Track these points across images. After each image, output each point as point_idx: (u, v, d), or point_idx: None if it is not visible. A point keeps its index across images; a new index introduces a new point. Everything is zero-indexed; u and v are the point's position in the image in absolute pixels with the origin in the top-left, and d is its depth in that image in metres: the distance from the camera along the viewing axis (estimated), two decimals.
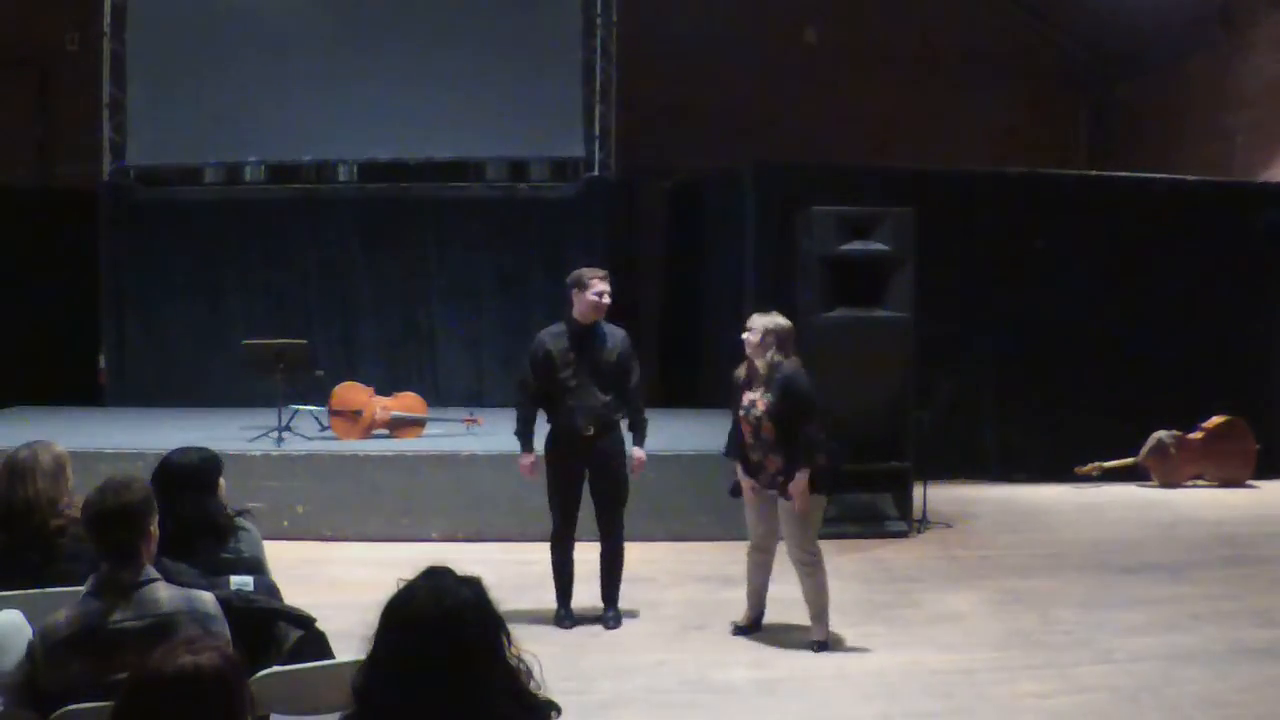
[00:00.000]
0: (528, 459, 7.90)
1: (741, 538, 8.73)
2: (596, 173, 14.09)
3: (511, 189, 14.51)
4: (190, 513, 4.85)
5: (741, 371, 7.51)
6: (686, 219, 15.21)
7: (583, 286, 7.71)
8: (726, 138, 14.89)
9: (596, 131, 14.07)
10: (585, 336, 7.76)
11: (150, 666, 2.83)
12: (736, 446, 7.57)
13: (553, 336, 7.79)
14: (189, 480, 4.99)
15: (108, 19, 14.58)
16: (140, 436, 11.14)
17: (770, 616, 7.72)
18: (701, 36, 15.08)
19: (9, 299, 14.25)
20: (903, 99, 15.61)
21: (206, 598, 4.01)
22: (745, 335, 7.37)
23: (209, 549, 4.85)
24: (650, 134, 14.67)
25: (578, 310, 7.75)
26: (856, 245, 10.58)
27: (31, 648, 3.87)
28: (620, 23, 14.09)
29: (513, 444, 10.89)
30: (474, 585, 3.03)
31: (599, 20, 14.04)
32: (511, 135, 14.19)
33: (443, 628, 2.91)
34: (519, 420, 7.88)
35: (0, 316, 14.15)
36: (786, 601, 7.72)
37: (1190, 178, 13.98)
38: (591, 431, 7.66)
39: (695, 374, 14.57)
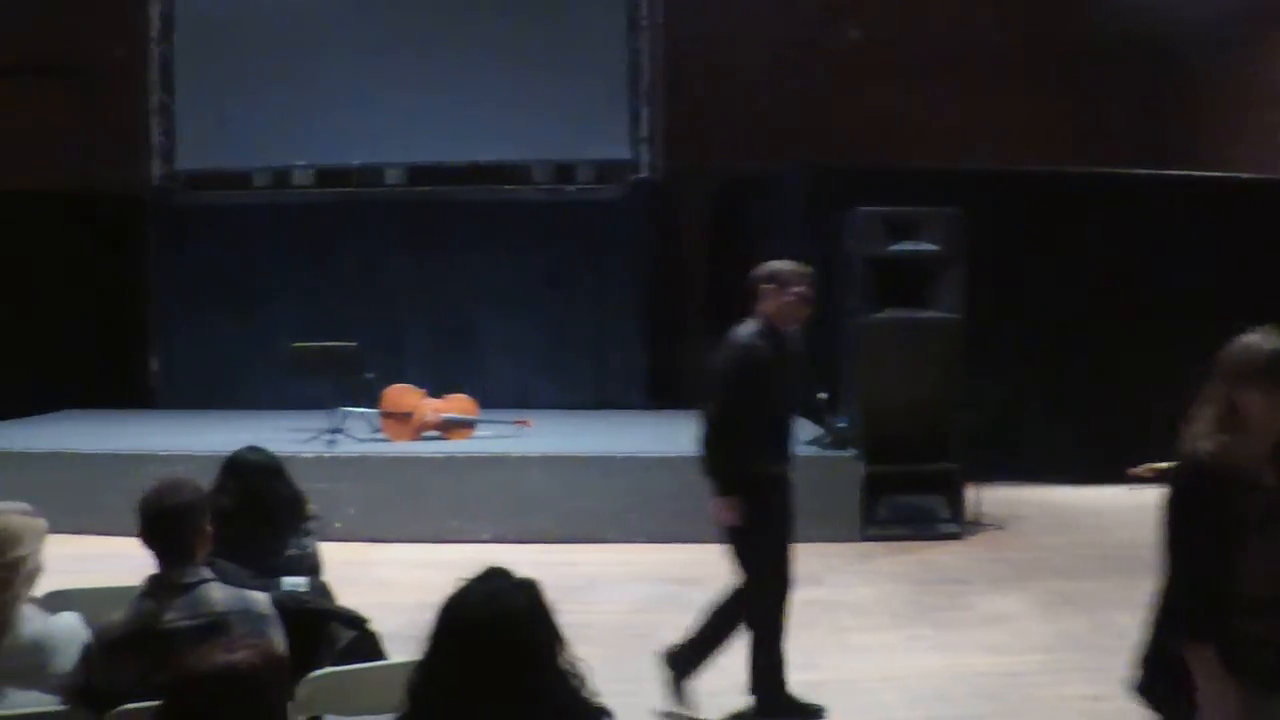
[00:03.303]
0: (734, 501, 6.09)
1: (798, 538, 8.74)
2: (641, 175, 14.11)
3: (557, 191, 14.53)
4: (276, 496, 4.93)
5: None
6: (732, 221, 15.18)
7: (782, 283, 6.36)
8: (772, 138, 14.84)
9: (641, 134, 14.10)
10: (783, 346, 6.37)
11: (187, 666, 2.87)
12: None
13: (761, 342, 6.31)
14: (268, 470, 5.07)
15: (155, 25, 14.72)
16: (190, 439, 11.25)
17: (819, 619, 7.72)
18: (746, 37, 15.05)
19: (60, 304, 14.39)
20: (947, 98, 15.54)
21: (260, 598, 4.04)
22: None
23: (282, 537, 4.91)
24: (695, 136, 14.64)
25: (774, 311, 6.36)
26: (904, 246, 10.56)
27: (87, 648, 3.92)
28: (664, 24, 14.10)
29: (563, 445, 11.04)
30: (530, 588, 3.04)
31: (643, 22, 14.05)
32: (557, 138, 14.23)
33: (497, 630, 2.92)
34: (730, 452, 6.10)
35: (52, 321, 14.28)
36: (833, 604, 7.73)
37: (1242, 175, 13.87)
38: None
39: None
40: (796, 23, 15.11)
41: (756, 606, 6.22)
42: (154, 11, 14.72)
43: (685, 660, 6.32)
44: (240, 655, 2.86)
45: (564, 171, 14.72)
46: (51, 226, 14.61)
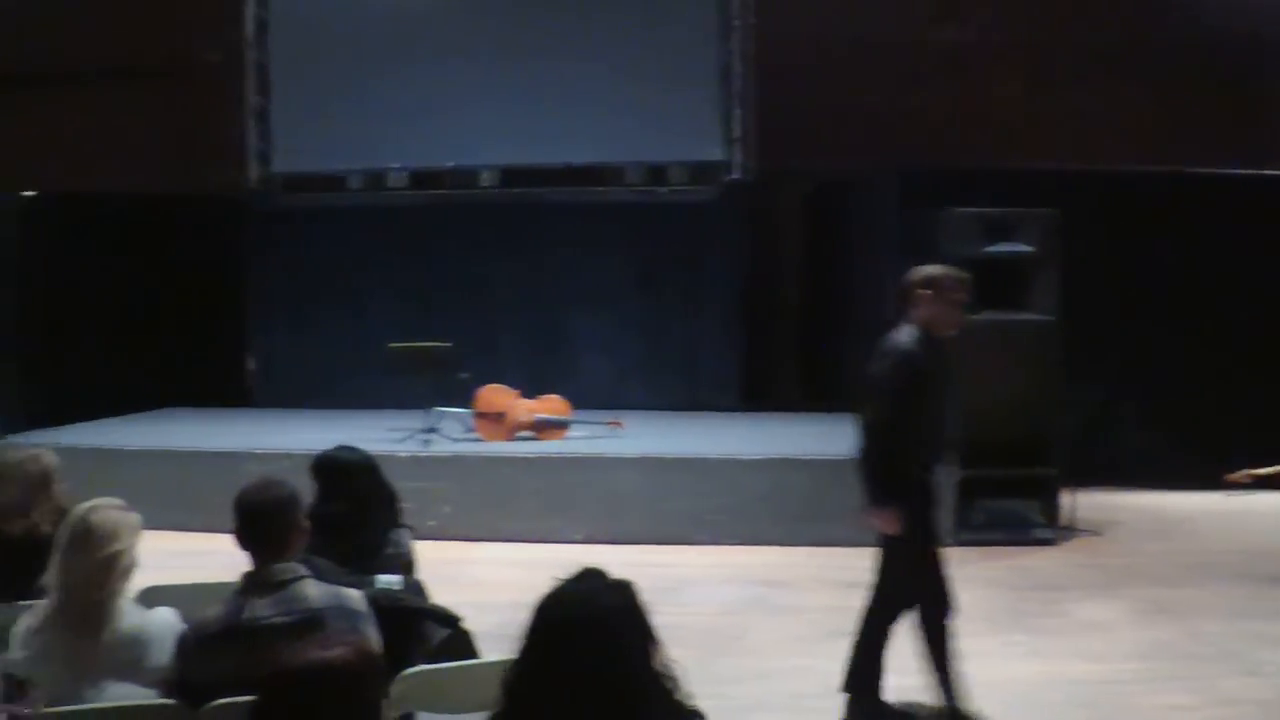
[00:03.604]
0: (894, 510, 5.96)
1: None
2: (734, 176, 14.06)
3: (649, 193, 14.50)
4: (370, 493, 4.98)
5: None
6: (826, 222, 15.14)
7: (940, 289, 6.14)
8: (866, 139, 14.75)
9: (735, 135, 14.04)
10: (940, 352, 6.16)
11: (282, 661, 2.90)
12: None
13: (920, 350, 6.07)
14: (362, 468, 5.13)
15: (251, 28, 14.91)
16: (288, 437, 11.41)
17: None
18: (840, 37, 14.96)
19: (161, 305, 14.65)
20: (1043, 97, 15.35)
21: (355, 595, 4.07)
22: None
23: (376, 535, 4.96)
24: (789, 136, 14.56)
25: (930, 317, 6.14)
26: (999, 247, 10.47)
27: (183, 642, 3.98)
28: (756, 24, 14.03)
29: (655, 446, 11.05)
30: (625, 589, 3.04)
31: (736, 23, 14.00)
32: (650, 139, 14.20)
33: (592, 630, 2.92)
34: (891, 461, 5.96)
35: (152, 321, 14.54)
36: None
37: None
38: None
39: (835, 377, 14.48)
40: (890, 22, 14.98)
41: (880, 611, 6.18)
42: (249, 15, 14.90)
43: (861, 679, 6.21)
44: (335, 652, 2.88)
45: (656, 173, 14.69)
46: (152, 228, 14.88)
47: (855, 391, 6.50)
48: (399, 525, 5.29)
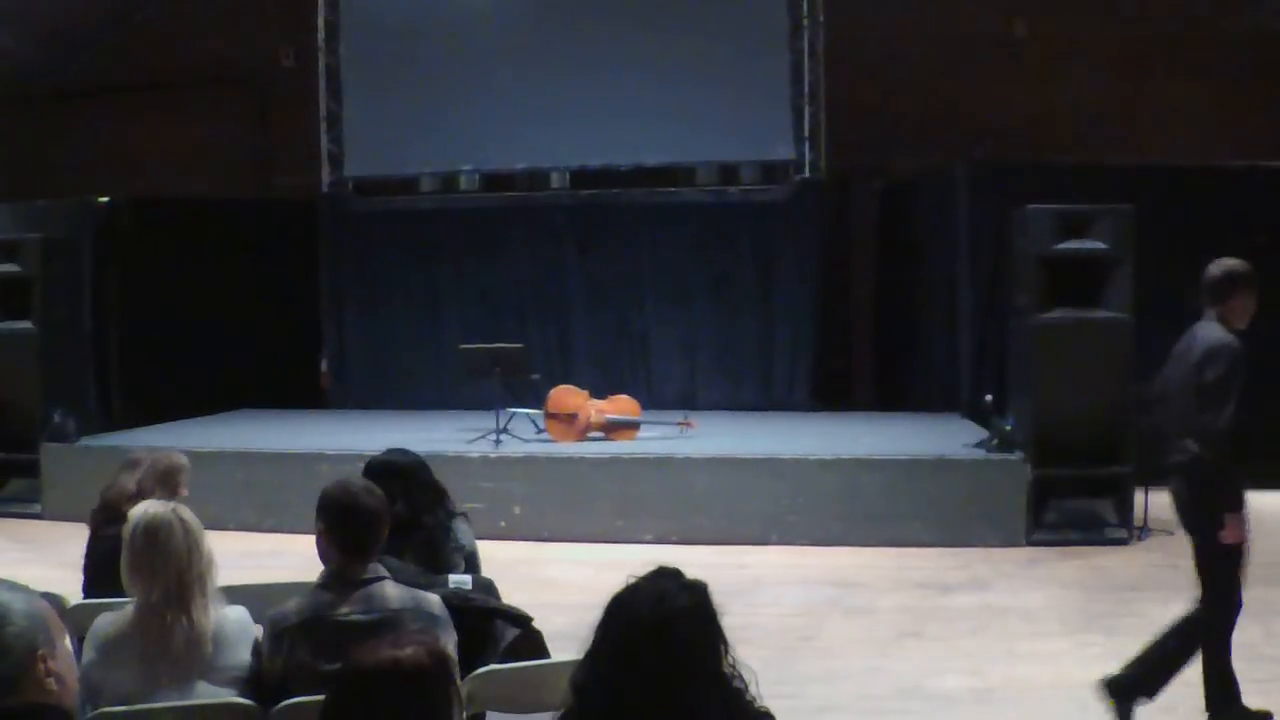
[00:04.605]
0: (1240, 517, 5.70)
1: (959, 543, 8.66)
2: (807, 174, 14.01)
3: (722, 193, 14.50)
4: (426, 495, 5.02)
5: None
6: (899, 219, 15.05)
7: (1238, 283, 6.01)
8: (939, 135, 14.67)
9: (806, 133, 13.97)
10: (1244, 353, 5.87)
11: (355, 660, 2.91)
12: None
13: (1241, 345, 5.87)
14: (411, 470, 5.17)
15: (322, 34, 15.04)
16: (360, 438, 11.45)
17: (988, 625, 7.62)
18: (911, 33, 14.90)
19: (235, 307, 14.81)
20: (1117, 92, 15.20)
21: (433, 599, 4.11)
22: None
23: (437, 535, 4.98)
24: (860, 134, 14.51)
25: (1230, 311, 6.00)
26: (1073, 244, 10.35)
27: (260, 637, 4.04)
28: (827, 22, 13.98)
29: (728, 447, 11.03)
30: (697, 590, 3.02)
31: (806, 20, 13.93)
32: (721, 139, 14.18)
33: (662, 630, 2.91)
34: (1236, 465, 5.72)
35: (227, 324, 14.70)
36: (1001, 609, 7.62)
37: None
38: None
39: (909, 376, 14.43)
40: (961, 18, 14.92)
41: (1215, 623, 6.00)
42: (321, 22, 15.03)
43: (1135, 686, 6.07)
44: (409, 651, 2.89)
45: (728, 173, 14.69)
46: (227, 233, 15.04)
47: (1161, 397, 6.31)
48: (455, 517, 5.32)
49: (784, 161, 14.17)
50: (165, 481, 5.43)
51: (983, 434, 10.83)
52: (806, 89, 13.95)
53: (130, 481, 5.38)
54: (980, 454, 10.39)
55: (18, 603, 2.83)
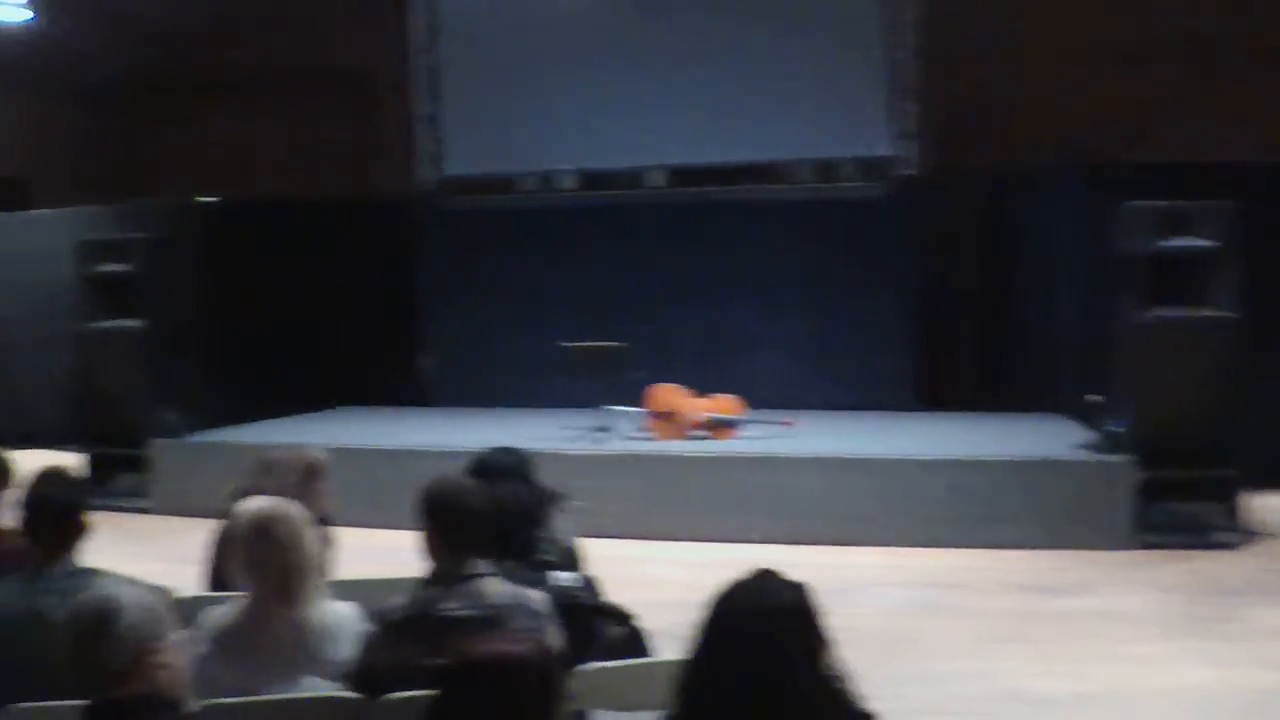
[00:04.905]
0: None
1: (1062, 545, 8.53)
2: (905, 172, 13.95)
3: (819, 190, 14.46)
4: (530, 492, 5.07)
5: None
6: (998, 217, 14.93)
7: None
8: (1042, 132, 14.52)
9: (904, 129, 13.92)
10: None
11: (465, 654, 2.96)
12: None
13: None
14: (516, 468, 5.22)
15: (420, 34, 15.21)
16: (461, 436, 11.58)
17: (1090, 628, 7.58)
18: (1011, 28, 14.74)
19: (335, 304, 15.05)
20: (1224, 88, 14.95)
21: (536, 595, 4.15)
22: None
23: (540, 533, 5.03)
24: (959, 130, 14.40)
25: None
26: (1176, 242, 10.22)
27: (367, 632, 4.08)
28: (925, 17, 13.87)
29: (828, 446, 11.01)
30: (797, 590, 3.05)
31: (904, 15, 13.85)
32: (819, 135, 14.12)
33: (763, 631, 2.94)
34: None
35: (327, 321, 14.93)
36: (1104, 613, 7.57)
37: None
38: None
39: (1011, 376, 14.31)
40: (1062, 12, 14.76)
41: None
42: (420, 22, 15.20)
43: None
44: (518, 647, 2.97)
45: (826, 170, 14.62)
46: (328, 231, 15.28)
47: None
48: (559, 515, 5.36)
49: (882, 158, 14.09)
50: (305, 478, 5.52)
51: (1085, 434, 10.74)
52: (905, 84, 13.87)
53: (268, 481, 5.44)
54: (1086, 456, 10.30)
55: (129, 596, 2.92)
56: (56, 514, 4.35)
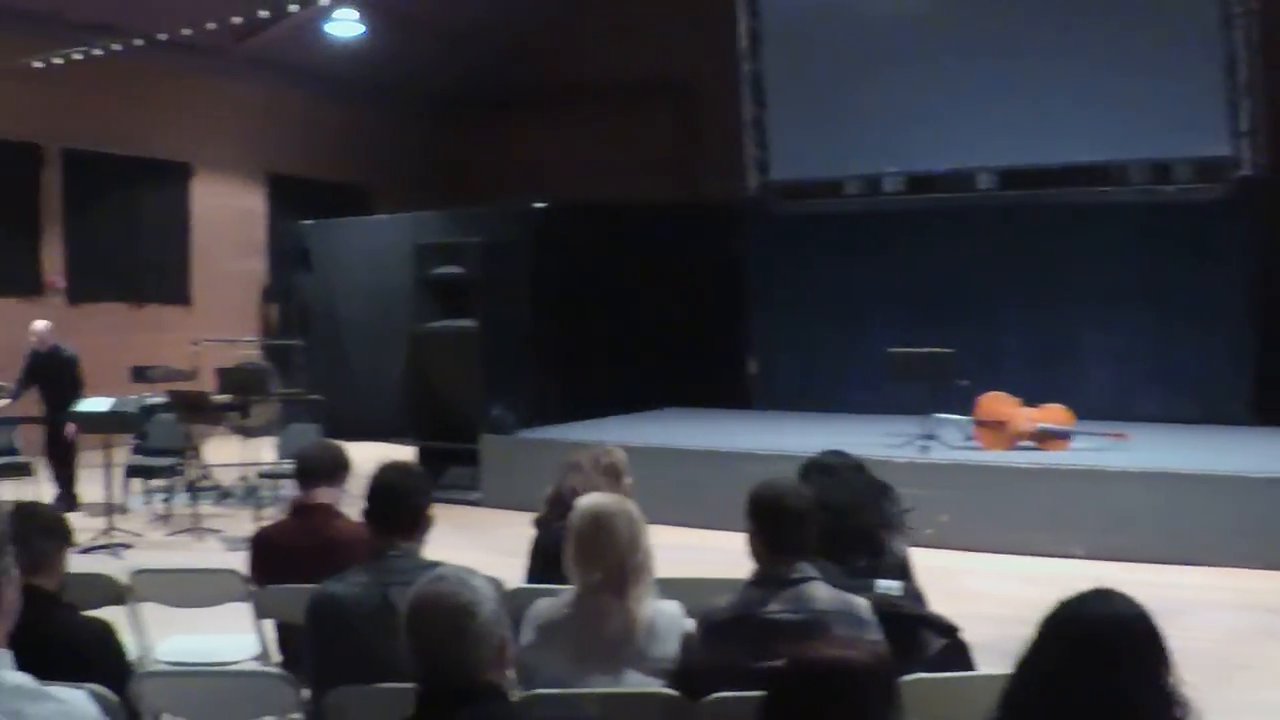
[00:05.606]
0: None
1: None
2: (1244, 172, 13.46)
3: (1154, 192, 14.06)
4: (850, 500, 5.15)
5: None
6: None
7: None
8: None
9: (1242, 128, 13.43)
10: None
11: (803, 657, 2.98)
12: None
13: None
14: (846, 473, 5.29)
15: (744, 42, 15.44)
16: (786, 440, 11.71)
17: None
18: None
19: (663, 307, 15.42)
20: None
21: (861, 603, 4.11)
22: None
23: (869, 540, 5.11)
24: None
25: None
26: None
27: (690, 632, 4.11)
28: (1260, 11, 13.32)
29: (1162, 460, 10.67)
30: (1138, 609, 2.98)
31: (1238, 10, 13.34)
32: (1152, 135, 13.74)
33: (1102, 651, 2.87)
34: None
35: (655, 324, 15.33)
36: None
37: None
38: None
39: None
40: None
41: None
42: (743, 29, 15.43)
43: None
44: (855, 654, 2.98)
45: (1161, 171, 14.23)
46: (657, 236, 15.67)
47: None
48: (892, 528, 5.39)
49: (1220, 158, 13.64)
50: (609, 475, 5.74)
51: None
52: (1242, 82, 13.38)
53: (576, 478, 5.59)
54: None
55: (488, 589, 3.11)
56: (400, 504, 4.51)
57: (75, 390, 11.89)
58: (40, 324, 12.27)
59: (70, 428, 11.75)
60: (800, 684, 2.95)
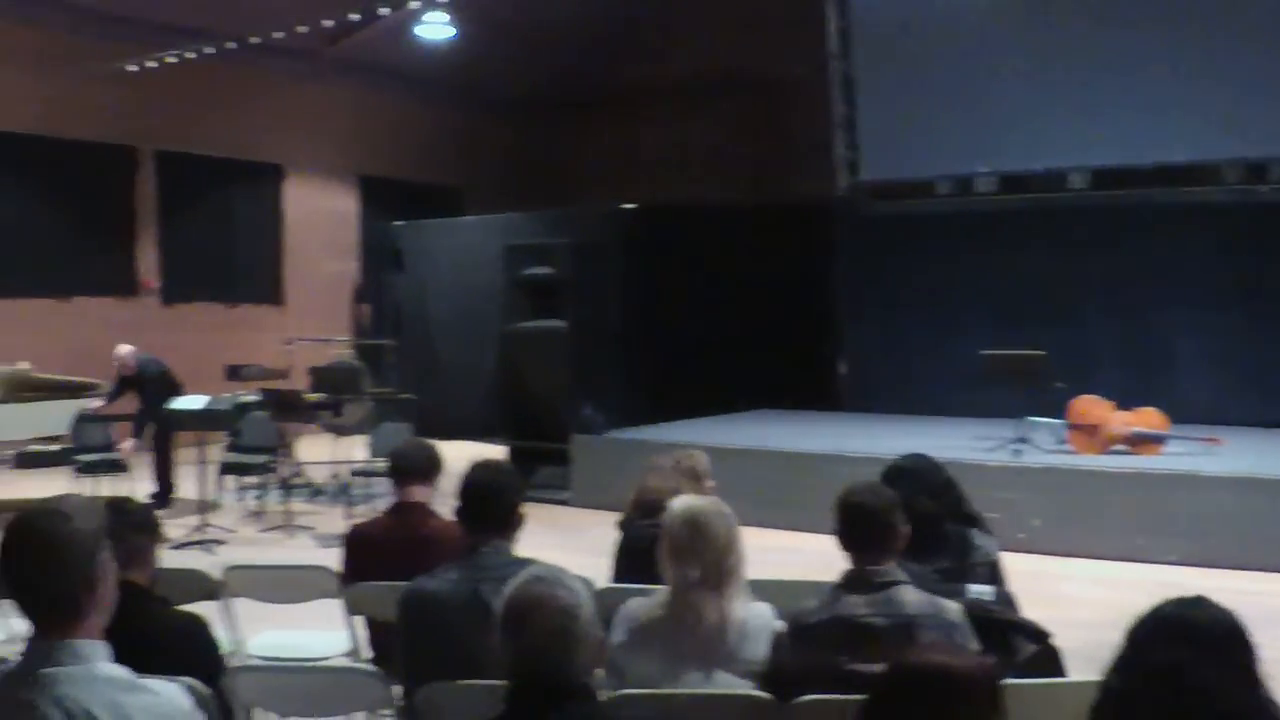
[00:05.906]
0: None
1: None
2: None
3: (1250, 192, 13.82)
4: (937, 504, 5.11)
5: None
6: None
7: None
8: None
9: None
10: None
11: (906, 662, 2.99)
12: None
13: None
14: (932, 477, 5.27)
15: (835, 42, 15.37)
16: (877, 442, 11.65)
17: None
18: None
19: (753, 308, 15.41)
20: None
21: (952, 607, 4.09)
22: None
23: (950, 542, 5.07)
24: None
25: None
26: None
27: (779, 634, 4.11)
28: None
29: (1258, 466, 10.45)
30: (1230, 618, 2.94)
31: None
32: (1247, 135, 13.47)
33: (1190, 657, 2.85)
34: None
35: (743, 324, 15.32)
36: None
37: None
38: None
39: None
40: None
41: None
42: (833, 29, 15.37)
43: None
44: (960, 660, 2.99)
45: (1255, 171, 13.98)
46: (747, 237, 15.69)
47: None
48: (982, 531, 5.34)
49: None
50: (691, 478, 5.74)
51: None
52: None
53: (660, 480, 5.61)
54: None
55: (584, 589, 3.11)
56: (492, 502, 4.51)
57: (171, 397, 11.96)
58: (124, 349, 12.37)
59: (129, 442, 11.91)
60: (903, 689, 2.95)
